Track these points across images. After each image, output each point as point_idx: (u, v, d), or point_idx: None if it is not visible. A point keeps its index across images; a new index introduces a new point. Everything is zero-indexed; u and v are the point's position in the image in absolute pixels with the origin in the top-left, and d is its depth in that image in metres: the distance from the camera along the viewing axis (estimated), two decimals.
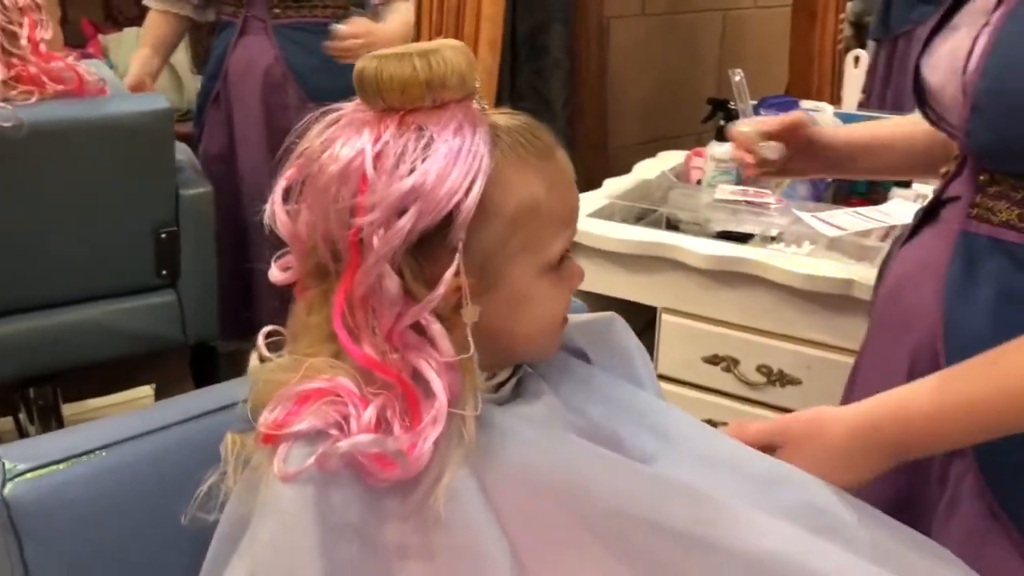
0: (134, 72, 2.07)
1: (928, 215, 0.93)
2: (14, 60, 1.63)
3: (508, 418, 0.70)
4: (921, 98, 0.93)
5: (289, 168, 0.68)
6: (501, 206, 0.67)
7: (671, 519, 0.67)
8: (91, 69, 1.77)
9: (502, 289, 0.70)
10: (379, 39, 1.93)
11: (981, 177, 0.85)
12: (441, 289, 0.64)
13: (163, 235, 1.75)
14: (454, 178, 0.63)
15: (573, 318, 0.79)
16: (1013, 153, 0.81)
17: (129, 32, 3.00)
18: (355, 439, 0.63)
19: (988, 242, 0.84)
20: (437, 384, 0.65)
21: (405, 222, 0.63)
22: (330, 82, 1.93)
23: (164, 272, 1.78)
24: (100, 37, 3.10)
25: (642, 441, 0.75)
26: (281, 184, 0.68)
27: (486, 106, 0.70)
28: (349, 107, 0.68)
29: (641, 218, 1.70)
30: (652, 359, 1.47)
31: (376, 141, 0.64)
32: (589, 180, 1.87)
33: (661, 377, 1.46)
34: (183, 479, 0.68)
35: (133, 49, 2.28)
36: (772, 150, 1.09)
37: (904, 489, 0.88)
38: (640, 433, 0.75)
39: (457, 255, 0.64)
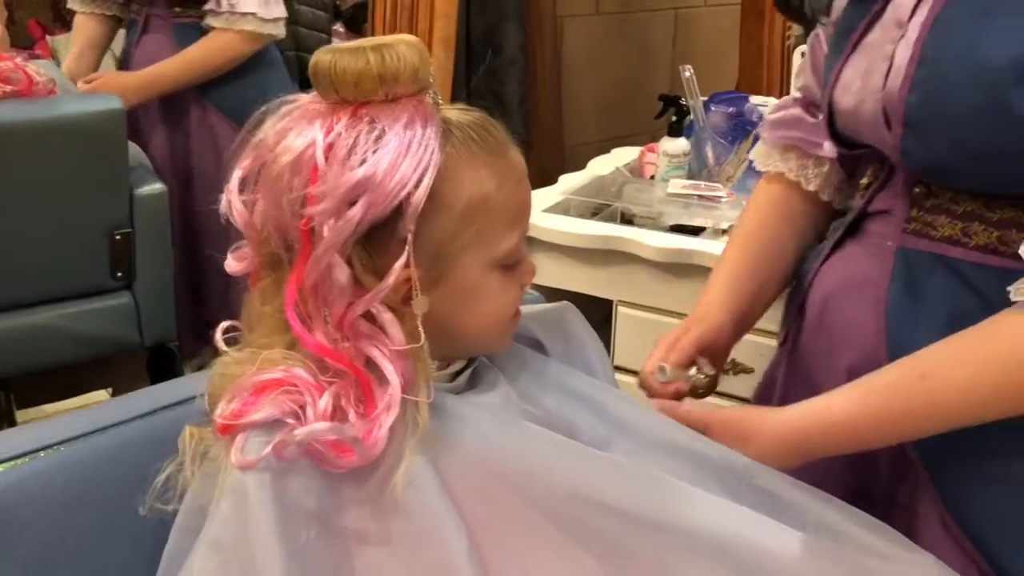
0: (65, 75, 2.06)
1: (851, 229, 0.90)
2: None
3: (463, 406, 0.71)
4: (832, 127, 0.88)
5: (245, 158, 0.69)
6: (451, 200, 0.68)
7: (624, 501, 0.69)
8: (39, 70, 1.75)
9: (452, 282, 0.70)
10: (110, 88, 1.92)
11: (916, 190, 0.82)
12: (391, 279, 0.65)
13: (117, 236, 1.73)
14: (404, 170, 0.64)
15: (527, 309, 0.80)
16: (952, 170, 0.77)
17: None
18: (311, 427, 0.64)
19: (930, 258, 0.81)
20: (390, 370, 0.66)
21: (355, 213, 0.64)
22: (225, 83, 1.96)
23: (119, 274, 1.76)
24: (48, 38, 3.06)
25: (596, 429, 0.76)
26: (237, 174, 0.69)
27: (440, 101, 0.71)
28: (305, 99, 0.69)
29: (596, 213, 1.72)
30: (609, 352, 1.49)
31: (328, 132, 0.65)
32: (545, 177, 1.89)
33: (618, 369, 1.48)
34: (141, 474, 0.68)
35: None
36: (705, 367, 0.93)
37: (852, 485, 0.87)
38: (594, 421, 0.77)
39: (407, 247, 0.66)
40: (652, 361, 0.90)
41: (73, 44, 2.18)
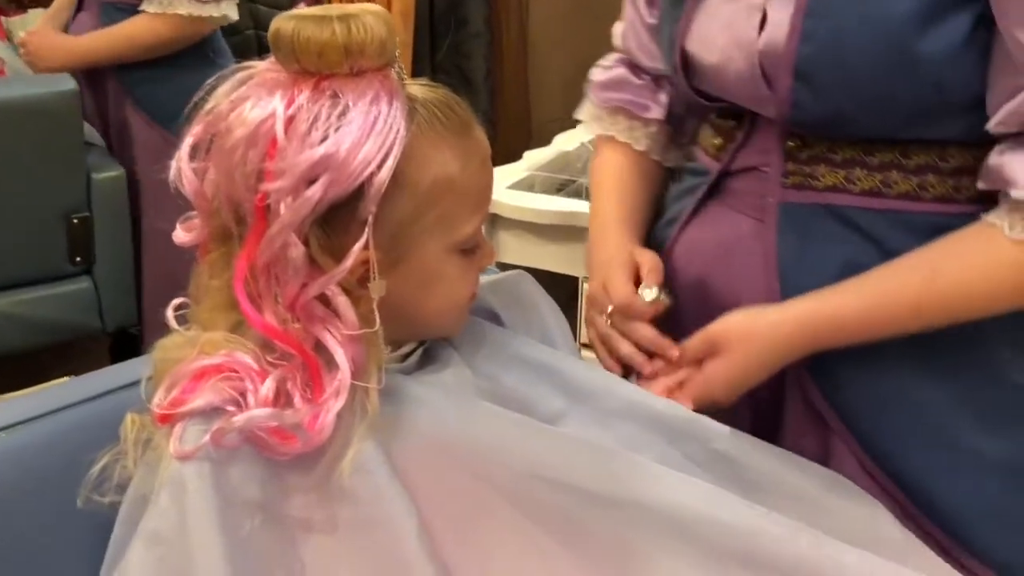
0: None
1: (711, 191, 0.88)
2: None
3: (415, 386, 0.70)
4: (688, 78, 0.85)
5: (196, 125, 0.66)
6: (415, 181, 0.66)
7: (580, 477, 0.68)
8: None
9: (411, 265, 0.69)
10: (39, 54, 1.80)
11: (790, 143, 0.81)
12: (348, 262, 0.63)
13: (75, 220, 1.70)
14: (368, 149, 0.62)
15: (483, 279, 0.79)
16: (846, 119, 0.77)
17: (33, 13, 2.89)
18: (251, 413, 0.62)
19: (816, 209, 0.80)
20: (340, 356, 0.64)
21: (314, 192, 0.61)
22: (157, 84, 1.77)
23: (78, 259, 1.73)
24: (3, 19, 2.99)
25: (552, 401, 0.75)
26: (188, 141, 0.66)
27: (405, 76, 0.68)
28: (261, 65, 0.66)
29: (561, 189, 1.71)
30: (575, 329, 1.48)
31: (289, 105, 0.62)
32: (511, 154, 1.87)
33: (585, 347, 1.47)
34: (88, 460, 0.66)
35: None
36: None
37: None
38: (550, 393, 0.75)
39: (367, 228, 0.64)
40: (622, 289, 0.85)
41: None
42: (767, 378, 0.79)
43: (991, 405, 0.80)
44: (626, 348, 0.84)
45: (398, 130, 0.63)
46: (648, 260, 0.87)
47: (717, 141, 0.88)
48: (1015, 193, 0.71)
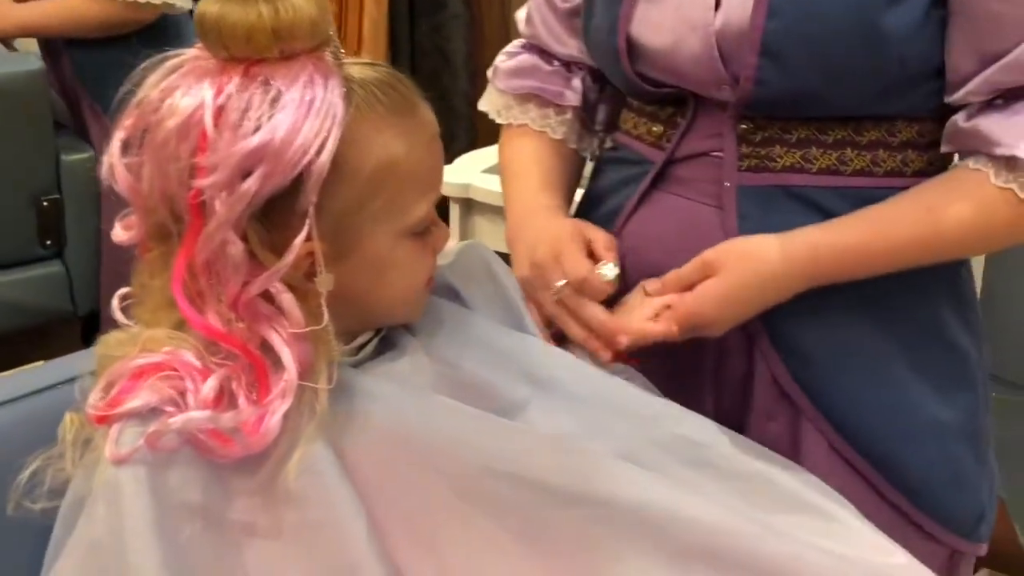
0: None
1: (656, 180, 0.85)
2: None
3: (368, 380, 0.67)
4: (633, 62, 0.82)
5: (127, 118, 0.63)
6: (356, 166, 0.63)
7: (539, 473, 0.66)
8: None
9: (360, 254, 0.66)
10: None
11: (743, 126, 0.80)
12: (290, 257, 0.61)
13: (44, 203, 1.67)
14: (304, 137, 0.59)
15: (439, 255, 0.76)
16: (810, 97, 0.77)
17: None
18: (187, 416, 0.60)
19: (774, 191, 0.80)
20: (287, 356, 0.62)
21: (250, 185, 0.59)
22: (95, 53, 1.72)
23: (48, 242, 1.70)
24: None
25: (515, 388, 0.73)
26: (119, 135, 0.63)
27: (343, 55, 0.66)
28: (191, 53, 0.63)
29: None
30: None
31: (218, 93, 0.60)
32: (491, 137, 1.85)
33: None
34: (20, 463, 0.63)
35: None
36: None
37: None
38: (513, 379, 0.73)
39: (308, 219, 0.61)
40: (581, 263, 0.79)
41: None
42: (760, 309, 0.77)
43: (943, 371, 0.82)
44: (579, 331, 0.79)
45: (335, 114, 0.61)
46: (603, 238, 0.83)
47: (656, 128, 0.85)
48: (1000, 150, 0.73)
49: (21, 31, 1.77)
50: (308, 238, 0.61)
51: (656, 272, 0.83)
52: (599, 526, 0.66)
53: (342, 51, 0.66)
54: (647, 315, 0.78)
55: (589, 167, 0.99)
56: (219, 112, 0.59)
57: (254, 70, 0.61)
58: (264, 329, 0.62)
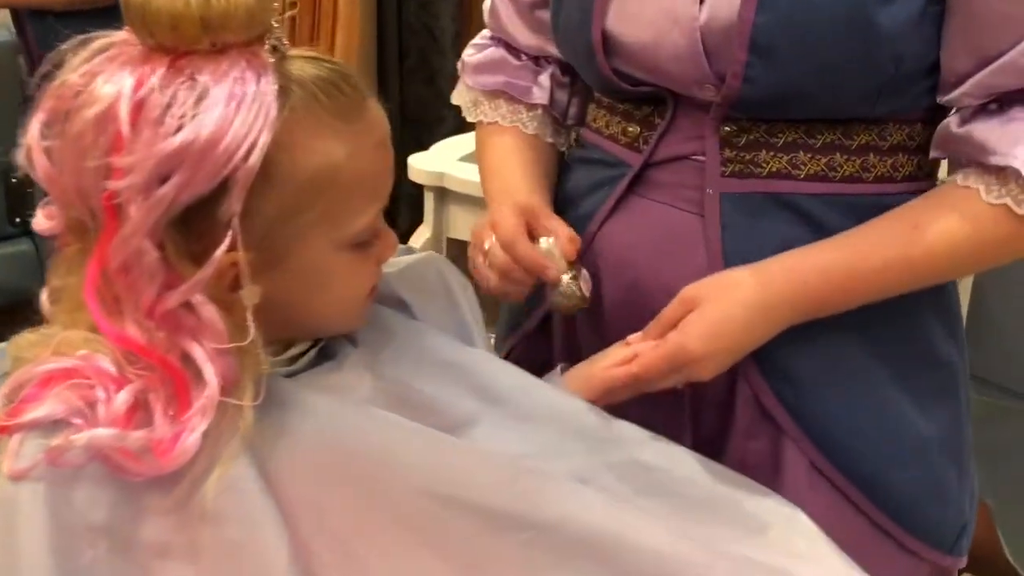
0: None
1: (632, 184, 0.80)
2: None
3: (303, 392, 0.64)
4: (608, 58, 0.78)
5: (47, 100, 0.58)
6: (290, 173, 0.59)
7: (483, 495, 0.62)
8: None
9: (293, 264, 0.62)
10: None
11: (726, 128, 0.75)
12: (209, 269, 0.56)
13: (13, 179, 1.65)
14: (229, 140, 0.55)
15: (392, 263, 0.72)
16: (799, 97, 0.72)
17: None
18: (92, 432, 0.56)
19: (760, 199, 0.75)
20: (208, 371, 0.58)
21: (167, 191, 0.54)
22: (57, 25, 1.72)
23: (17, 219, 1.68)
24: None
25: (463, 403, 0.69)
26: (39, 117, 0.58)
27: (286, 49, 0.61)
28: (120, 36, 0.59)
29: None
30: None
31: (139, 86, 0.55)
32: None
33: None
34: None
35: None
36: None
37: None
38: (462, 394, 0.69)
39: (231, 230, 0.56)
40: (510, 221, 0.77)
41: None
42: (749, 346, 0.73)
43: (927, 385, 0.79)
44: (495, 280, 0.78)
45: (266, 115, 0.56)
46: (564, 229, 0.79)
47: (632, 129, 0.81)
48: (995, 160, 0.69)
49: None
50: (232, 248, 0.57)
51: (633, 282, 0.79)
52: (544, 553, 0.62)
53: (286, 44, 0.61)
54: (613, 361, 0.75)
55: None
56: (139, 107, 0.55)
57: (181, 62, 0.56)
58: (185, 341, 0.58)
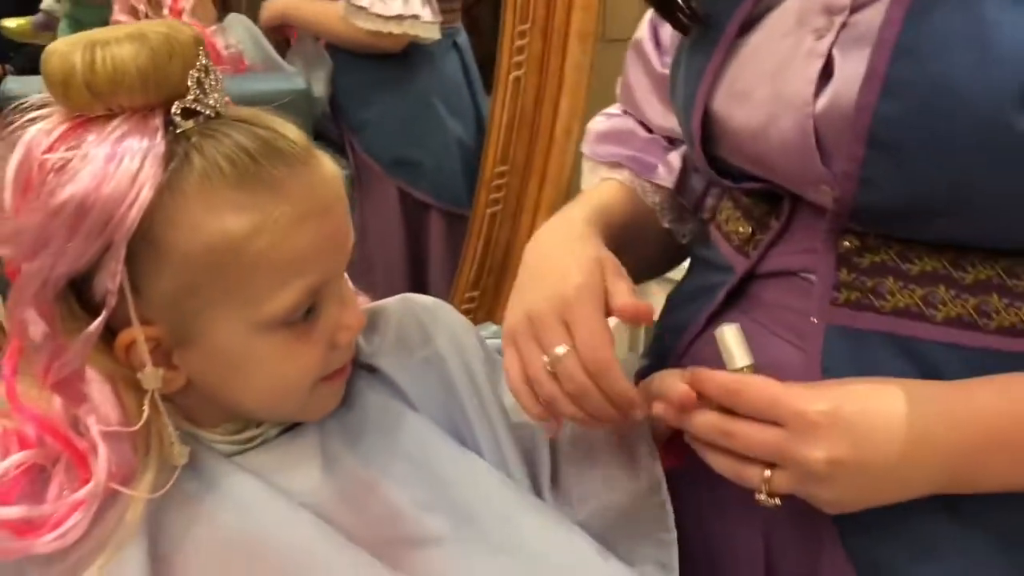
0: None
1: (732, 296, 0.67)
2: None
3: (233, 475, 0.59)
4: (706, 146, 0.66)
5: None
6: (176, 247, 0.55)
7: None
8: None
9: (207, 344, 0.58)
10: None
11: (846, 243, 0.60)
12: (78, 346, 0.54)
13: None
14: (105, 199, 0.52)
15: (384, 324, 0.68)
16: (934, 212, 0.55)
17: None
18: None
19: (880, 342, 0.59)
20: (101, 454, 0.55)
21: (45, 260, 0.53)
22: None
23: None
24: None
25: (431, 519, 0.61)
26: None
27: (210, 111, 0.56)
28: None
29: None
30: None
31: (28, 152, 0.53)
32: None
33: None
34: None
35: None
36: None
37: None
38: (435, 507, 0.61)
39: (104, 309, 0.53)
40: (598, 334, 0.62)
41: None
42: (894, 483, 0.56)
43: None
44: (573, 411, 0.62)
45: (146, 175, 0.52)
46: (631, 299, 0.63)
47: (745, 229, 0.68)
48: None
49: (285, 19, 1.81)
50: (127, 325, 0.55)
51: None
52: None
53: (212, 106, 0.56)
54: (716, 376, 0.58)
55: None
56: (27, 170, 0.53)
57: (79, 127, 0.54)
58: (84, 414, 0.56)
